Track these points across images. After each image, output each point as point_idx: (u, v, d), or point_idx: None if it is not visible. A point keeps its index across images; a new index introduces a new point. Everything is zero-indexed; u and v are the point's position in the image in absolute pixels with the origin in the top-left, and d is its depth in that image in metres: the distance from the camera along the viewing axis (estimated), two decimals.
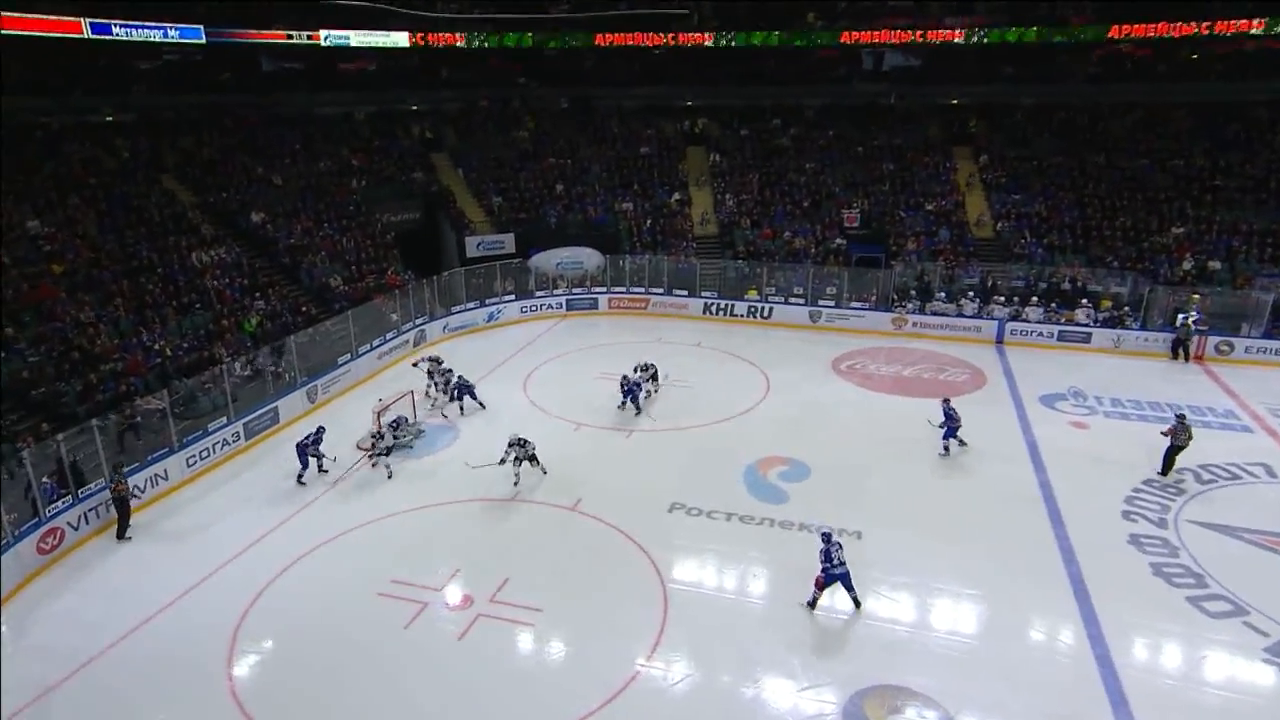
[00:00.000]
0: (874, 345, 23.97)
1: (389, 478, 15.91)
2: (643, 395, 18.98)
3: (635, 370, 19.32)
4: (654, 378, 19.71)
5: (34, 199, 21.96)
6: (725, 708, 9.90)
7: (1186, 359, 22.05)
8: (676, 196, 31.67)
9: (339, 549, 13.58)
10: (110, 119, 28.06)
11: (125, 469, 14.34)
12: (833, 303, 25.66)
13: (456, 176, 32.66)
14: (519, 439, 15.45)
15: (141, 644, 11.23)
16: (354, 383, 21.37)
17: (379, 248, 27.45)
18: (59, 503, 13.62)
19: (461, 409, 19.20)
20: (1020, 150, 31.64)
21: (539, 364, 22.78)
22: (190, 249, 22.71)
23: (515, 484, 15.31)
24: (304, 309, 23.10)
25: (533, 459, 15.48)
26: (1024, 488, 15.06)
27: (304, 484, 15.76)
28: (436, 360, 20.54)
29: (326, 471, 16.11)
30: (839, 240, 28.65)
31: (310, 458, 15.97)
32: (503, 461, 15.27)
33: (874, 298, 25.53)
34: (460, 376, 19.46)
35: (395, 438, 16.85)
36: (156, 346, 18.72)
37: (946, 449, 16.20)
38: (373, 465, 16.21)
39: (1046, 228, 28.07)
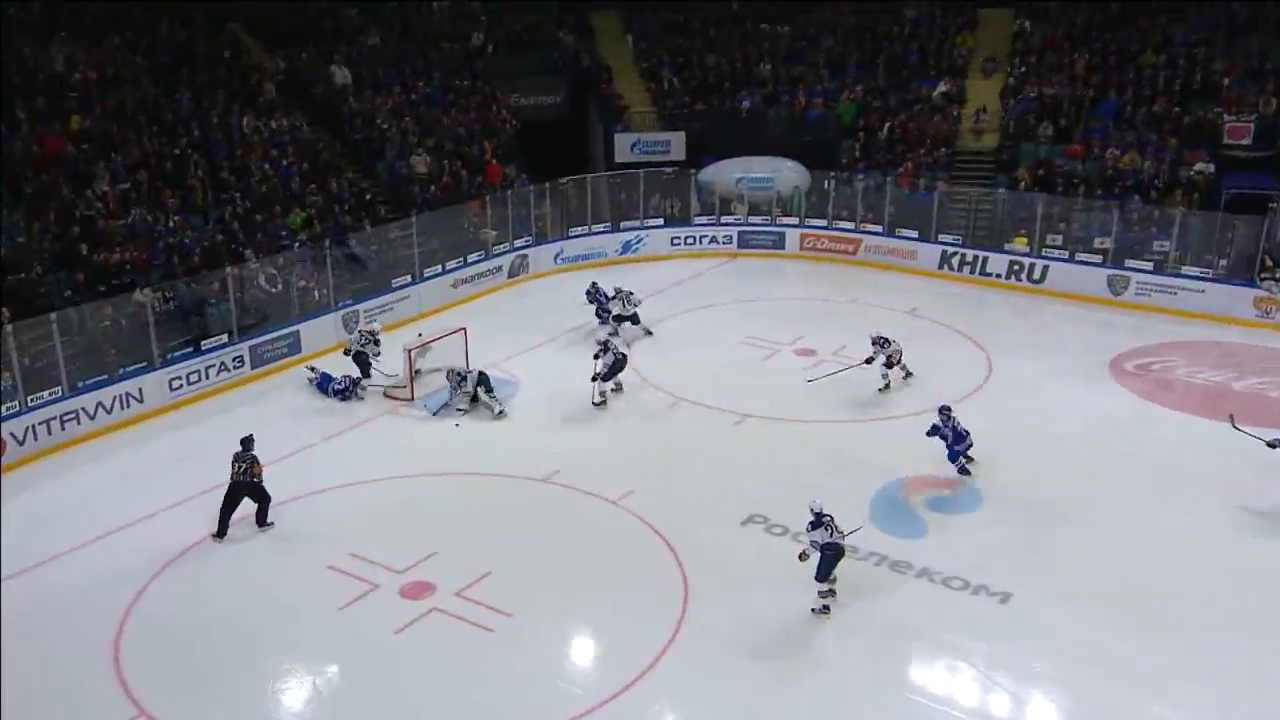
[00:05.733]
0: (1207, 337, 22.95)
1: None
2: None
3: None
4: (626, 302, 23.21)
5: (72, 32, 26.81)
6: None
7: None
8: (943, 87, 31.61)
9: (309, 507, 16.24)
10: None
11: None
12: (1151, 265, 24.75)
13: (624, 46, 35.14)
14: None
15: (51, 575, 14.53)
16: (413, 315, 24.39)
17: (492, 136, 30.40)
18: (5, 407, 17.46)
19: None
20: None
21: (667, 316, 24.39)
22: (243, 115, 26.93)
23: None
24: (370, 206, 26.57)
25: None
26: None
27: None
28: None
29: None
30: (1201, 166, 26.90)
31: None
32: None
33: (1228, 261, 24.26)
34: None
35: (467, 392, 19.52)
36: (168, 238, 22.60)
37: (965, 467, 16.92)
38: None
39: None
